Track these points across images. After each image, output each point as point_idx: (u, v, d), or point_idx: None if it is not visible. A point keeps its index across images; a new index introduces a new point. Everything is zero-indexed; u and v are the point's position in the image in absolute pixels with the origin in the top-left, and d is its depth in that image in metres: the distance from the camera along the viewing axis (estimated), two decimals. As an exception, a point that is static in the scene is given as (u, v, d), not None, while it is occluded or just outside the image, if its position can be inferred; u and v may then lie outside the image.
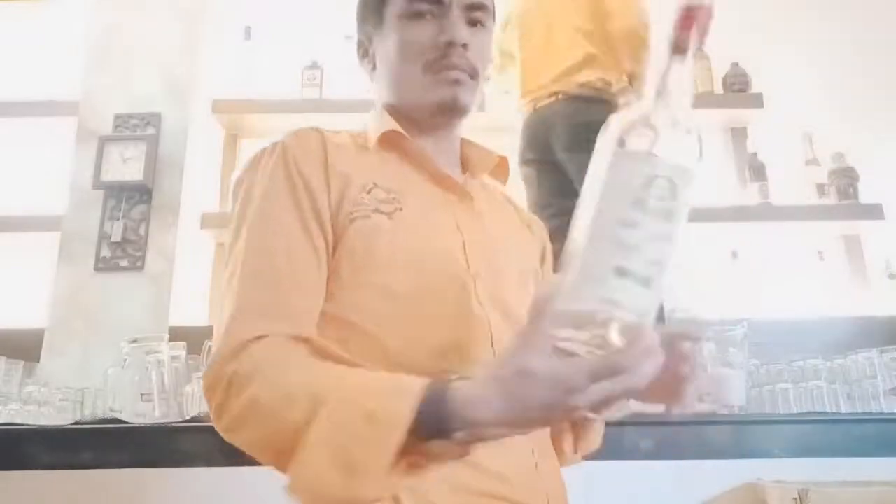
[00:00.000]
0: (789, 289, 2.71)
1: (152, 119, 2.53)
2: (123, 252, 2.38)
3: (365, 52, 0.99)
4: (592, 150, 0.67)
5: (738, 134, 2.94)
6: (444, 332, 0.81)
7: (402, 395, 0.63)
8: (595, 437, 1.00)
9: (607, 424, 1.65)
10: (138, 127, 2.52)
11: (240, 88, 2.86)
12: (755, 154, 2.81)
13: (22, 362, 2.12)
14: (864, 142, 2.85)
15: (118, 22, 2.66)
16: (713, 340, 1.83)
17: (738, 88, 2.88)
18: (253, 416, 0.69)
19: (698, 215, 2.65)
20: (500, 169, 1.01)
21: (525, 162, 2.07)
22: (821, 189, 2.77)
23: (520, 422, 0.62)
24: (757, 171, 2.76)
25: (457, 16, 0.89)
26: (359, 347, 0.78)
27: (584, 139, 1.89)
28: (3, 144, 2.91)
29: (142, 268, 2.37)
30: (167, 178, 2.47)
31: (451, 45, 0.88)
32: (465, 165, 1.00)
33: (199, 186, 2.65)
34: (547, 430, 0.90)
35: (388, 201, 0.84)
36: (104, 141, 2.45)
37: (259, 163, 0.85)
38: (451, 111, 0.92)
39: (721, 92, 2.90)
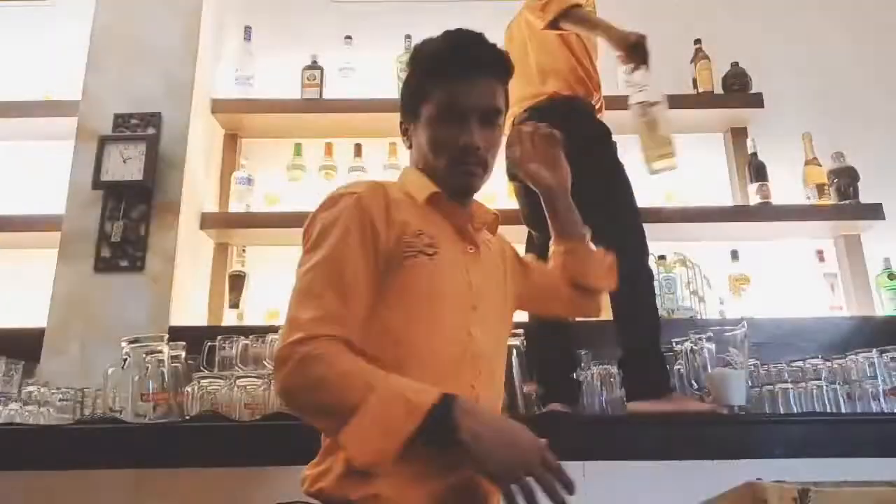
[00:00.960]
0: (789, 289, 2.72)
1: (152, 119, 2.53)
2: (123, 252, 2.38)
3: (405, 132, 1.28)
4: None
5: (738, 134, 2.94)
6: (453, 346, 1.11)
7: (428, 393, 0.96)
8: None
9: (608, 424, 1.66)
10: (138, 127, 2.52)
11: (240, 88, 2.86)
12: (755, 154, 2.81)
13: (22, 362, 2.12)
14: (864, 142, 2.85)
15: (118, 22, 2.66)
16: (713, 340, 1.83)
17: (738, 88, 2.89)
18: (316, 388, 0.97)
19: (698, 215, 2.70)
20: (494, 224, 1.31)
21: (511, 177, 2.08)
22: (821, 189, 2.78)
23: (491, 447, 0.93)
24: (757, 171, 2.76)
25: (474, 123, 1.16)
26: (393, 352, 1.06)
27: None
28: (3, 144, 2.91)
29: (142, 268, 2.37)
30: (167, 178, 2.47)
31: (467, 147, 1.16)
32: (472, 217, 1.26)
33: (199, 186, 2.65)
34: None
35: (430, 245, 1.12)
36: (104, 141, 2.45)
37: (337, 204, 1.11)
38: (466, 194, 1.23)
39: (721, 92, 2.91)
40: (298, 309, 1.03)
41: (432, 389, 0.96)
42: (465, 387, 1.07)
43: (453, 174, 1.18)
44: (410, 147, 1.26)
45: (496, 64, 1.21)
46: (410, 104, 1.24)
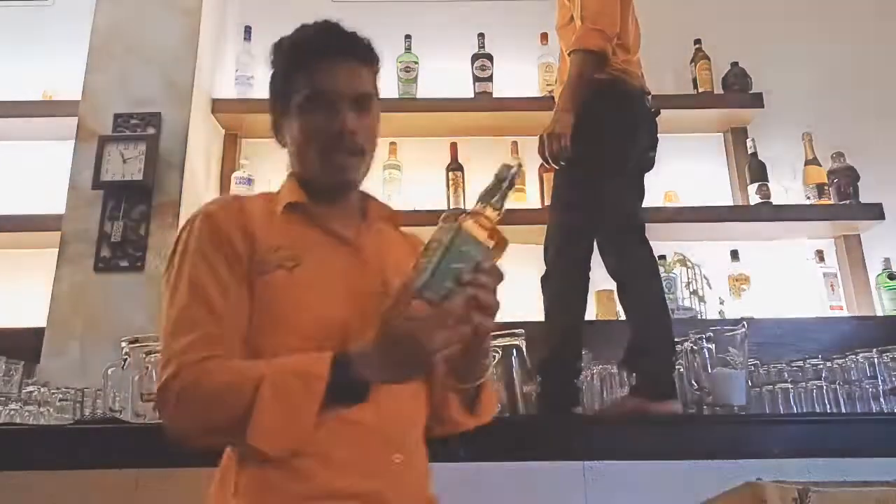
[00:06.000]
0: (789, 289, 2.72)
1: (152, 119, 2.53)
2: (123, 252, 2.38)
3: (277, 130, 1.20)
4: None
5: (738, 134, 2.94)
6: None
7: (321, 359, 0.93)
8: (486, 400, 1.16)
9: (608, 424, 1.65)
10: (138, 127, 2.52)
11: (240, 88, 2.86)
12: (755, 154, 2.81)
13: (22, 362, 2.12)
14: (864, 142, 2.85)
15: (118, 22, 2.66)
16: (713, 340, 1.83)
17: (738, 88, 2.89)
18: (206, 411, 0.95)
19: (698, 215, 2.69)
20: (394, 219, 1.25)
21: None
22: (821, 189, 2.78)
23: (394, 369, 0.92)
24: (757, 171, 2.76)
25: (345, 108, 1.11)
26: None
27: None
28: (3, 144, 2.91)
29: (142, 268, 2.37)
30: (167, 178, 2.47)
31: (339, 133, 1.10)
32: (365, 215, 1.20)
33: (199, 186, 2.65)
34: (413, 429, 1.09)
35: (291, 258, 1.05)
36: (104, 141, 2.45)
37: (193, 225, 1.08)
38: (342, 187, 1.16)
39: (721, 92, 2.91)
40: (170, 340, 1.00)
41: (322, 355, 0.93)
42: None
43: (327, 168, 1.12)
44: (284, 146, 1.19)
45: (358, 48, 1.18)
46: (278, 98, 1.18)
